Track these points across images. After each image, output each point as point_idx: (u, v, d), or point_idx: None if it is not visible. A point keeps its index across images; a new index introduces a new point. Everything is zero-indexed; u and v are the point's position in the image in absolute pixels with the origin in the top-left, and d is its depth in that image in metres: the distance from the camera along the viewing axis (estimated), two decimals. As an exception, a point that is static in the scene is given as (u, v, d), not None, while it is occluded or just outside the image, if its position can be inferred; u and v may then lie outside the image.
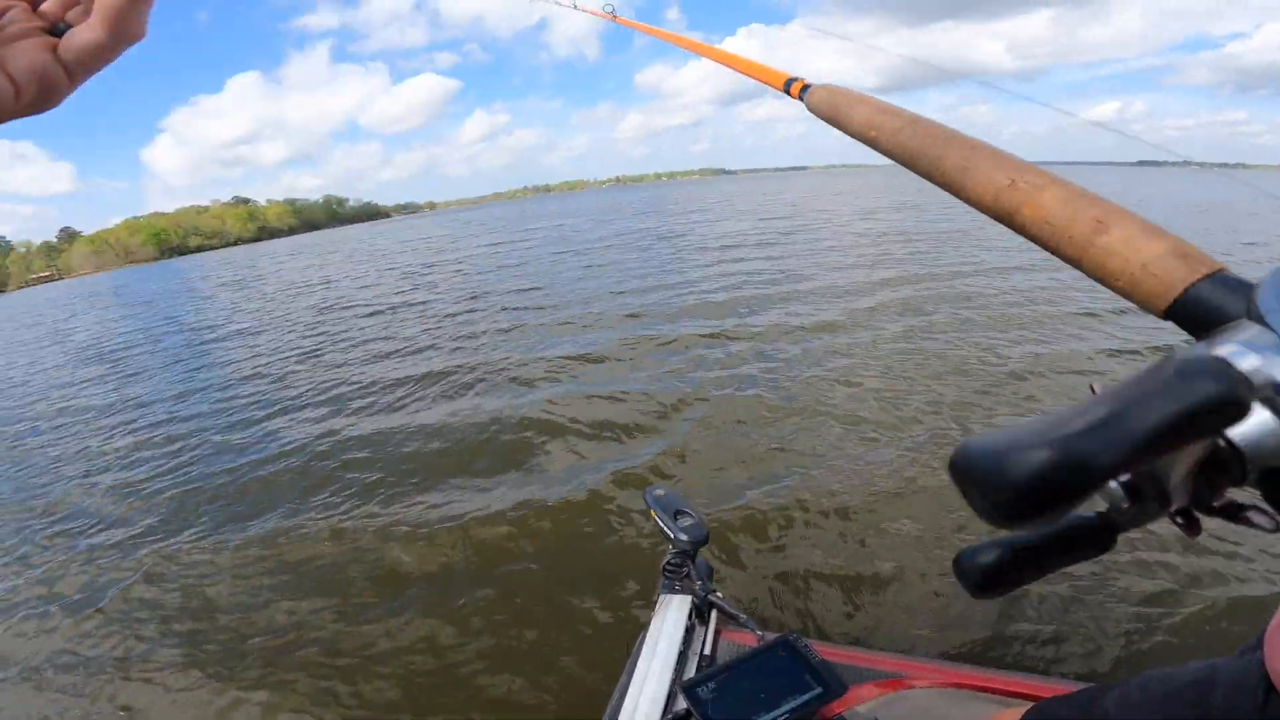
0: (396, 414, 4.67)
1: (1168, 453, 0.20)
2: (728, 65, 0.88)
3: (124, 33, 0.34)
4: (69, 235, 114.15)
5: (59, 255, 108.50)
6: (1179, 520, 0.26)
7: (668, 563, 1.13)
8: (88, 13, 0.33)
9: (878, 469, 3.15)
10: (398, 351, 6.65)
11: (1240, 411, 0.20)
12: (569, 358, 5.50)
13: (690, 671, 0.96)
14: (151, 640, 2.56)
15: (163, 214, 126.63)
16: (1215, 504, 0.24)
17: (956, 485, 0.20)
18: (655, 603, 1.10)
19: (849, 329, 5.56)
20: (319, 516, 3.32)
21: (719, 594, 1.08)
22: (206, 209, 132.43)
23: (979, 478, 0.19)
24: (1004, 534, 0.23)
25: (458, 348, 6.42)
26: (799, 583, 2.45)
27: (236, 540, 3.19)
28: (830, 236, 13.13)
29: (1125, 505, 0.24)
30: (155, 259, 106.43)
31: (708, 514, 2.63)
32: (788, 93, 0.63)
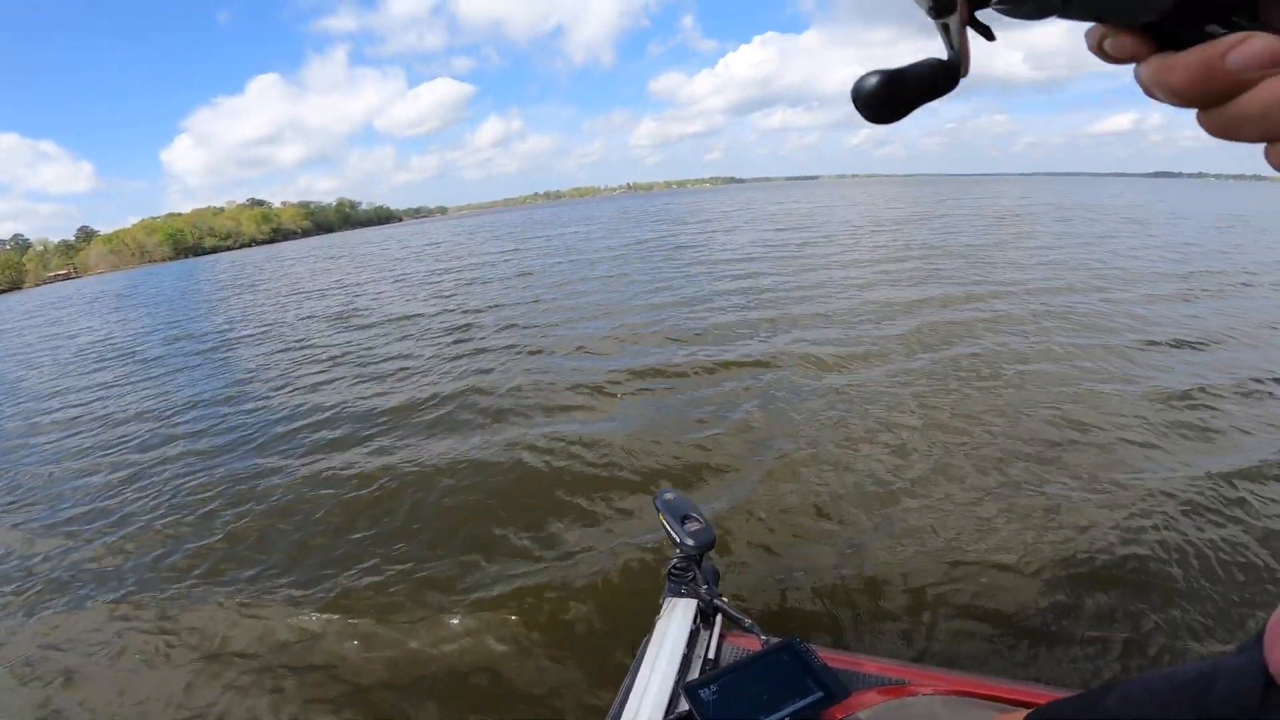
0: (386, 438, 4.62)
1: None
2: None
3: None
4: (86, 234, 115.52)
5: (76, 254, 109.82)
6: (977, 28, 0.31)
7: (674, 567, 1.14)
8: None
9: (882, 479, 3.24)
10: (400, 372, 6.58)
11: None
12: (586, 376, 5.44)
13: (694, 674, 0.97)
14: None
15: (179, 215, 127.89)
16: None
17: None
18: (661, 606, 1.11)
19: (863, 341, 5.54)
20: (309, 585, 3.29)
21: (724, 599, 1.08)
22: (222, 210, 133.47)
23: None
24: (885, 68, 0.30)
25: (454, 367, 6.37)
26: (805, 590, 2.50)
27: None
28: (851, 249, 13.00)
29: (932, 11, 0.29)
30: (171, 258, 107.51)
31: (716, 520, 2.86)
32: None
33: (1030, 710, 0.73)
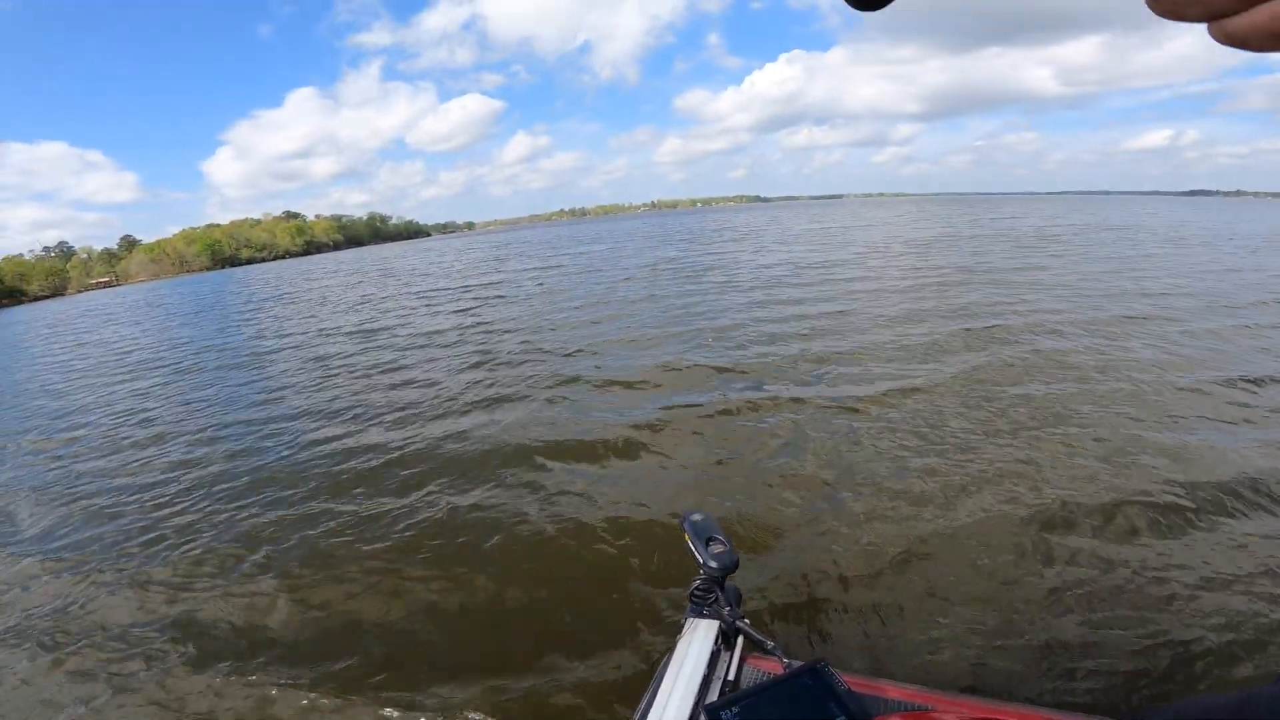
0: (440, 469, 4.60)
1: None
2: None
3: None
4: (129, 243, 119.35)
5: (118, 262, 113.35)
6: None
7: (696, 588, 1.14)
8: None
9: (912, 505, 3.26)
10: (422, 400, 6.56)
11: None
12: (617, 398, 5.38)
13: (714, 696, 0.95)
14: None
15: (217, 225, 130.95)
16: None
17: None
18: (682, 626, 1.10)
19: (907, 376, 5.43)
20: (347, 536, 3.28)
21: (746, 621, 1.07)
22: (259, 222, 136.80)
23: None
24: None
25: (476, 396, 6.34)
26: (828, 613, 2.50)
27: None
28: (884, 272, 12.81)
29: None
30: (209, 269, 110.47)
31: (742, 543, 2.99)
32: None
33: None
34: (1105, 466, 3.56)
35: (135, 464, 5.31)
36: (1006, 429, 4.14)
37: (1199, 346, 5.93)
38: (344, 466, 4.54)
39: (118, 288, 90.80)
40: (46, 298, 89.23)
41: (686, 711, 0.91)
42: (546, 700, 2.18)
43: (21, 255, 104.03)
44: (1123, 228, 23.51)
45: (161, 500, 4.40)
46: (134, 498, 4.52)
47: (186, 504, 4.26)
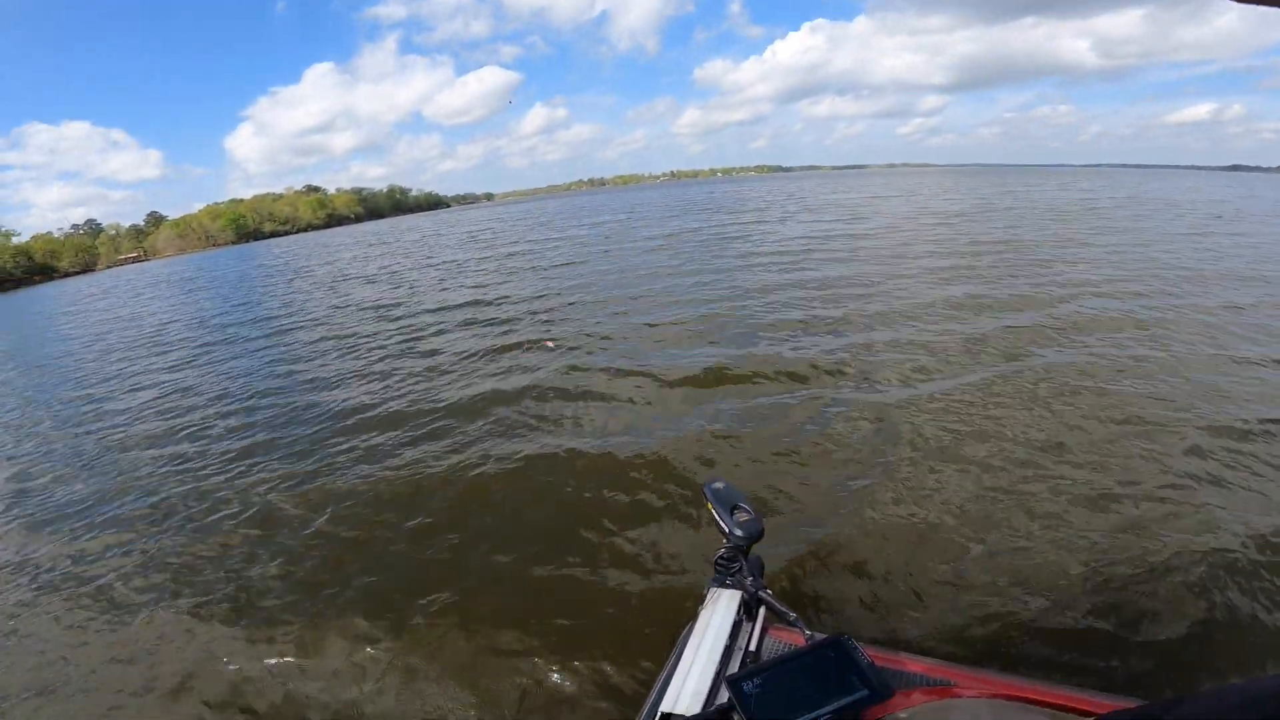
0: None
1: None
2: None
3: None
4: (155, 219, 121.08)
5: (146, 238, 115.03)
6: None
7: (720, 557, 1.11)
8: None
9: (938, 482, 3.21)
10: (439, 370, 6.52)
11: None
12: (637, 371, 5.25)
13: (734, 666, 0.95)
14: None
15: (241, 200, 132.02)
16: None
17: None
18: (705, 596, 1.09)
19: (936, 335, 5.39)
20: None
21: (769, 591, 1.05)
22: (281, 196, 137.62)
23: None
24: None
25: (498, 366, 6.22)
26: (851, 586, 2.48)
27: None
28: (915, 245, 12.33)
29: None
30: (233, 242, 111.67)
31: (766, 513, 2.95)
32: None
33: None
34: (1172, 459, 3.30)
35: (151, 455, 5.26)
36: (1068, 421, 3.84)
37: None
38: (359, 475, 4.17)
39: (146, 263, 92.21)
40: (78, 273, 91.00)
41: (708, 682, 0.90)
42: (570, 669, 2.17)
43: (50, 233, 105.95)
44: (1170, 203, 22.39)
45: (170, 510, 4.31)
46: (145, 499, 4.45)
47: (192, 516, 4.17)
